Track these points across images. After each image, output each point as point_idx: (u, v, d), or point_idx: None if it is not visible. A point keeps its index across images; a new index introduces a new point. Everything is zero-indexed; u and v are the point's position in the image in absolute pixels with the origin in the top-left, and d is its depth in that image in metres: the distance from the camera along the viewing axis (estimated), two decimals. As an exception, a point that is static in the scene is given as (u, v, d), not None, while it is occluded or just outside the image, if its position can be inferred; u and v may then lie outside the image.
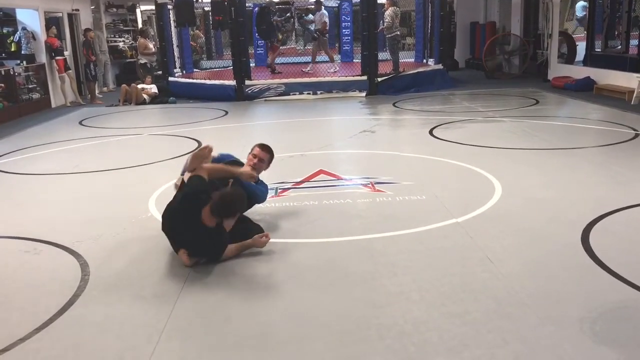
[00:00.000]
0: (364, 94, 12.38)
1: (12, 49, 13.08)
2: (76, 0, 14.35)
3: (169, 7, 14.60)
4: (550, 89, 12.47)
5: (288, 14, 16.70)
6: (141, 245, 4.35)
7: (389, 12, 13.01)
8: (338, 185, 5.79)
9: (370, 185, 5.68)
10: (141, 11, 19.30)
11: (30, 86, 12.21)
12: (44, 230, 4.75)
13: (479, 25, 17.67)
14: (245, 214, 4.48)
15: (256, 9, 15.12)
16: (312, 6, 15.55)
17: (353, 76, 12.93)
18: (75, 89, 13.47)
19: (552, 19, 13.55)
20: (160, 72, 14.59)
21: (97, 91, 14.04)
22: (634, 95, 10.20)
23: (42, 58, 12.62)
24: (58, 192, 6.05)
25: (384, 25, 13.29)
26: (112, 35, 17.03)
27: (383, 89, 12.52)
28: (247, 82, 12.66)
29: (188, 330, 3.14)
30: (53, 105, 12.87)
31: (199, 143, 7.87)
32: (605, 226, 4.38)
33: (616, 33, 12.62)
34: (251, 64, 14.10)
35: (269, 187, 4.88)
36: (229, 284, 3.67)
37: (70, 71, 13.21)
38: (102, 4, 16.48)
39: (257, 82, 12.85)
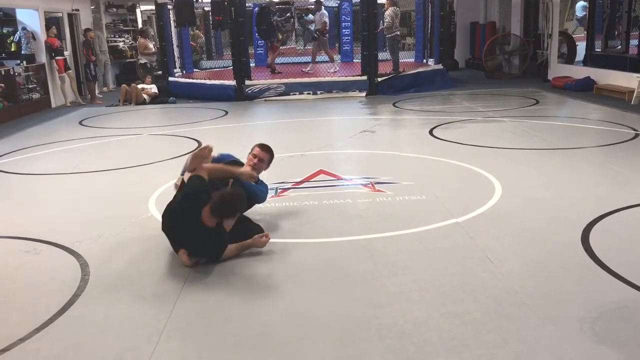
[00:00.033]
0: (364, 94, 12.38)
1: (12, 49, 13.08)
2: (76, 0, 14.34)
3: (169, 7, 14.60)
4: (550, 89, 12.47)
5: (288, 14, 16.70)
6: (141, 245, 4.35)
7: (389, 12, 13.01)
8: (338, 185, 5.79)
9: (370, 185, 5.68)
10: (141, 11, 19.30)
11: (30, 86, 12.21)
12: (44, 230, 4.75)
13: (479, 25, 17.66)
14: (245, 214, 4.48)
15: (256, 9, 15.11)
16: (312, 6, 15.55)
17: (353, 76, 12.93)
18: (75, 89, 13.46)
19: (552, 19, 13.55)
20: (160, 72, 14.59)
21: (97, 91, 14.03)
22: (634, 95, 10.20)
23: (42, 58, 12.61)
24: (58, 192, 6.06)
25: (384, 25, 13.29)
26: (112, 35, 17.03)
27: (383, 89, 12.52)
28: (247, 82, 12.66)
29: (188, 330, 3.14)
30: (53, 105, 12.87)
31: (199, 143, 7.86)
32: (605, 226, 4.38)
33: (616, 33, 12.61)
34: (251, 64, 14.10)
35: (269, 187, 4.88)
36: (229, 284, 3.67)
37: (70, 71, 13.21)
38: (102, 4, 16.47)
39: (257, 82, 12.84)
